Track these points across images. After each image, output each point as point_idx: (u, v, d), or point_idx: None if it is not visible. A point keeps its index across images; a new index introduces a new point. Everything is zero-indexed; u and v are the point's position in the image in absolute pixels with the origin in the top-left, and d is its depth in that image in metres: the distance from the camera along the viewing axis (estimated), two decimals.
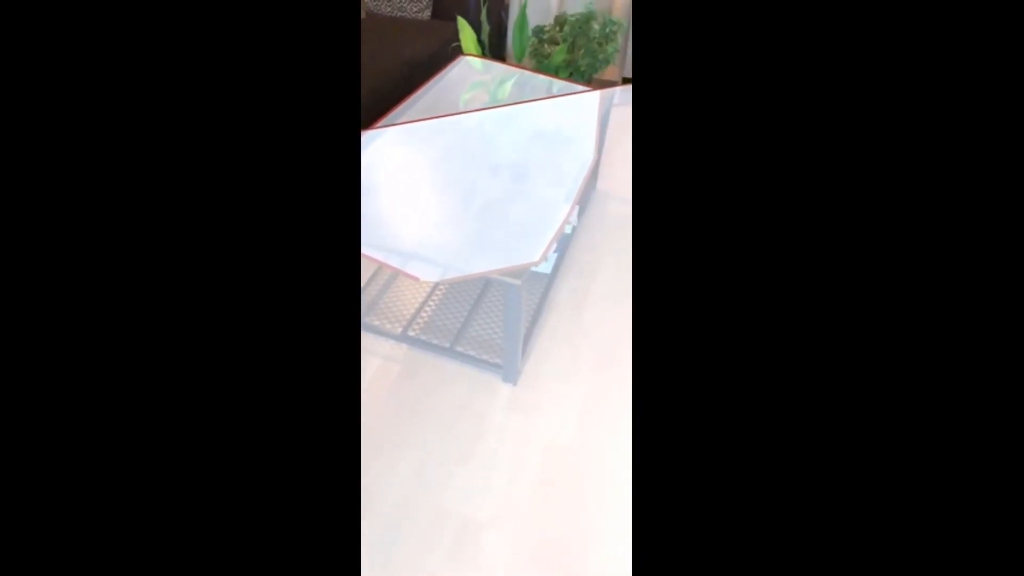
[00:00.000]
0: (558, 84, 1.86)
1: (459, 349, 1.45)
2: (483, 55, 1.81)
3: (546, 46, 2.03)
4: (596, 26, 1.96)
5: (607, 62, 2.01)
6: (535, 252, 1.24)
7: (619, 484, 1.18)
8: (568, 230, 1.96)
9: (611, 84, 2.58)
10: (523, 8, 1.94)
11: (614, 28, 2.02)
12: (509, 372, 1.38)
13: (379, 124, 1.54)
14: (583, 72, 1.96)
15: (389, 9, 2.59)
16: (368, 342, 1.49)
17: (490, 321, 1.55)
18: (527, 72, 1.87)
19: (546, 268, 1.76)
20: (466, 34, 1.73)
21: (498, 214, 1.44)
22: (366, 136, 1.49)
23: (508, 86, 1.57)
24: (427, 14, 2.68)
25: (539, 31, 2.06)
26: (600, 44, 1.95)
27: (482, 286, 1.66)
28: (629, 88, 2.76)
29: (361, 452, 1.21)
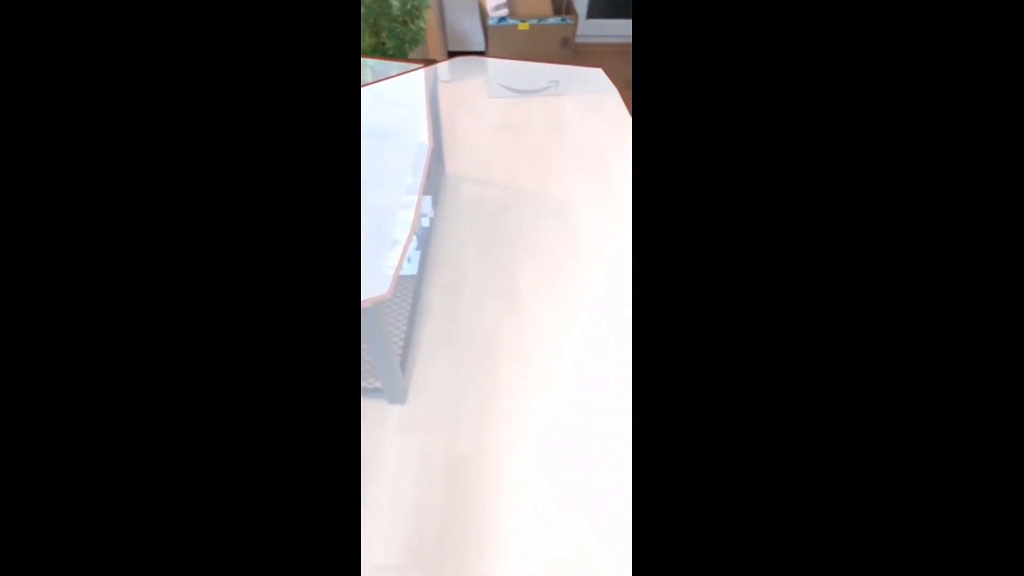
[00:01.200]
0: (372, 65, 1.72)
1: None
2: None
3: None
4: (396, 3, 1.83)
5: (416, 42, 1.89)
6: (383, 280, 1.14)
7: (526, 485, 1.13)
8: (425, 223, 1.86)
9: (433, 62, 2.47)
10: None
11: (416, 3, 1.90)
12: (394, 393, 1.28)
13: None
14: (392, 56, 1.84)
15: None
16: None
17: (364, 343, 1.43)
18: None
19: (411, 269, 1.65)
20: None
21: None
22: None
23: None
24: None
25: None
26: (404, 23, 1.83)
27: None
28: (460, 61, 2.67)
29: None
